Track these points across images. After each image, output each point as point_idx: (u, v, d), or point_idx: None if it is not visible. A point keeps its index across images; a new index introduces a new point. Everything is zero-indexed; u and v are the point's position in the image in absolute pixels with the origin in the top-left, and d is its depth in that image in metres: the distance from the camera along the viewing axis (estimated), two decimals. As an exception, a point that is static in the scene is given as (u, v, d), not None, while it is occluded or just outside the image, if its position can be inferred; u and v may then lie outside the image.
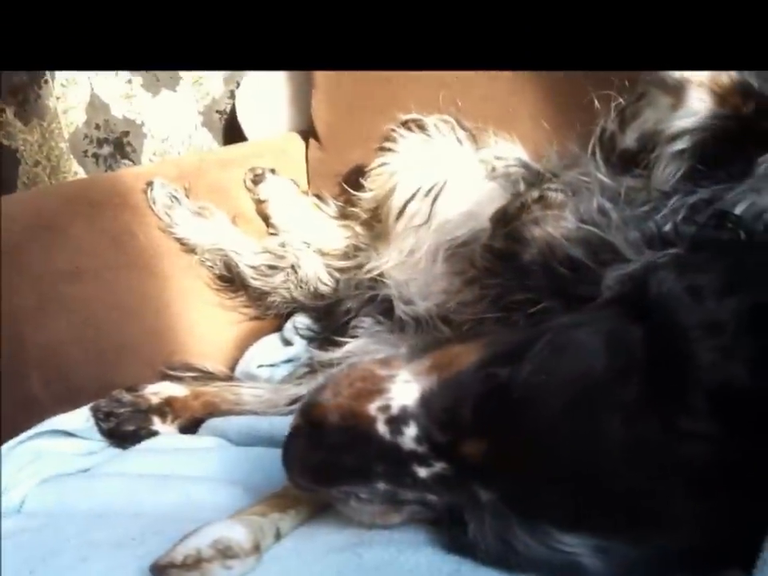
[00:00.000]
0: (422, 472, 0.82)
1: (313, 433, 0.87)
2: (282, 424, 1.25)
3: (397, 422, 0.83)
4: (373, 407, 0.85)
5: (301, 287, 1.82)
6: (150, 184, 1.79)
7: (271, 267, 1.84)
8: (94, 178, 2.36)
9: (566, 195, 1.13)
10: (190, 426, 1.47)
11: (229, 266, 1.83)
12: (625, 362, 0.75)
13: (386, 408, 0.85)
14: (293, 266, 1.83)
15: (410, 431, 0.83)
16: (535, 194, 1.16)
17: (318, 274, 1.82)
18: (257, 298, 1.86)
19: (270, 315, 1.87)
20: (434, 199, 1.53)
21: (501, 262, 1.15)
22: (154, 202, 1.77)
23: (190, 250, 1.80)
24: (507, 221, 1.17)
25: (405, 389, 0.87)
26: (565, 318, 0.88)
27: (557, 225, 1.08)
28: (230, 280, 1.85)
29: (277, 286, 1.84)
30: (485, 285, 1.20)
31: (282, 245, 1.86)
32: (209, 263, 1.82)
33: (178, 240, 1.79)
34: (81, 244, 1.60)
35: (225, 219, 1.86)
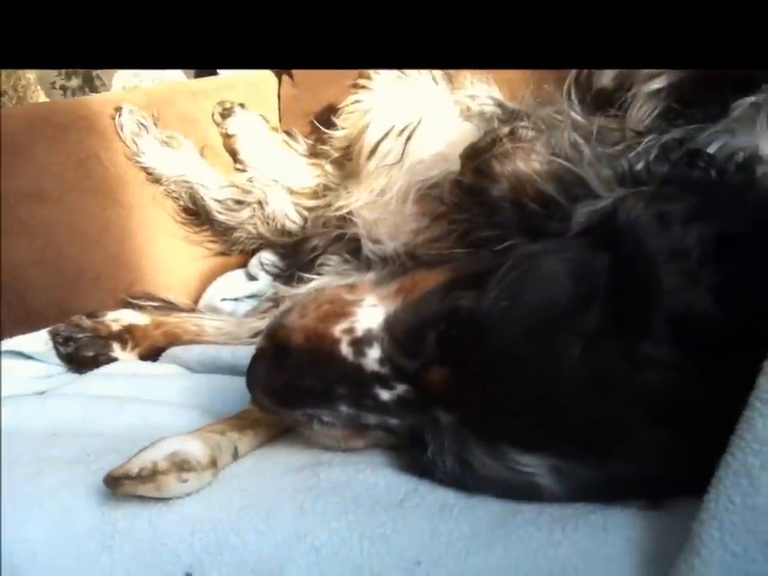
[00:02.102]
0: (384, 395, 0.82)
1: (277, 354, 0.87)
2: (244, 353, 1.25)
3: (360, 343, 0.84)
4: (338, 329, 0.86)
5: (267, 223, 1.81)
6: (118, 110, 1.75)
7: (237, 202, 1.82)
8: (59, 101, 2.32)
9: (537, 131, 1.12)
10: (150, 355, 1.46)
11: (194, 198, 1.80)
12: (588, 289, 0.75)
13: (350, 330, 0.85)
14: (260, 202, 1.81)
15: (373, 353, 0.83)
16: (506, 129, 1.15)
17: (286, 211, 1.80)
18: (222, 232, 1.84)
19: (236, 251, 1.86)
20: (408, 139, 1.51)
21: (469, 197, 1.14)
22: (121, 129, 1.73)
23: (156, 180, 1.77)
24: (477, 156, 1.16)
25: (370, 312, 0.87)
26: (531, 247, 0.87)
27: (527, 160, 1.07)
28: (196, 213, 1.82)
29: (243, 221, 1.82)
30: (453, 221, 1.19)
31: (250, 180, 1.84)
32: (174, 195, 1.79)
33: (144, 169, 1.75)
34: (44, 166, 1.56)
35: (193, 150, 1.83)
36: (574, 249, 0.82)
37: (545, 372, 0.72)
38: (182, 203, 1.81)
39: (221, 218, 1.81)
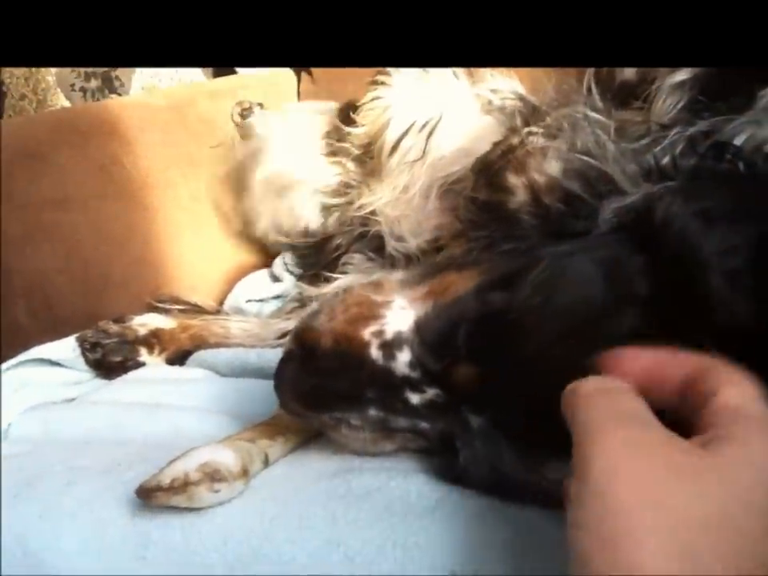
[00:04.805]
0: (414, 398, 0.81)
1: (305, 357, 0.86)
2: (271, 356, 1.25)
3: (390, 346, 0.83)
4: (367, 332, 0.84)
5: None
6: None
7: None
8: (81, 106, 2.32)
9: (550, 136, 1.11)
10: (178, 359, 1.46)
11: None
12: (624, 290, 0.73)
13: (380, 333, 0.84)
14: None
15: (404, 356, 0.82)
16: (516, 139, 1.14)
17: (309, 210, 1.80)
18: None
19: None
20: (429, 134, 1.50)
21: (487, 213, 1.13)
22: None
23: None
24: (488, 169, 1.15)
25: (400, 315, 0.86)
26: (563, 246, 0.85)
27: (541, 168, 1.06)
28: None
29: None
30: (471, 238, 1.18)
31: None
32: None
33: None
34: (67, 172, 1.56)
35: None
36: (607, 247, 0.80)
37: (578, 374, 0.70)
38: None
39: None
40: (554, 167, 1.05)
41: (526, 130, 1.15)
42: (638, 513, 0.49)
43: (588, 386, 0.61)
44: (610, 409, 0.58)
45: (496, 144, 1.19)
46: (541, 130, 1.13)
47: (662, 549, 0.47)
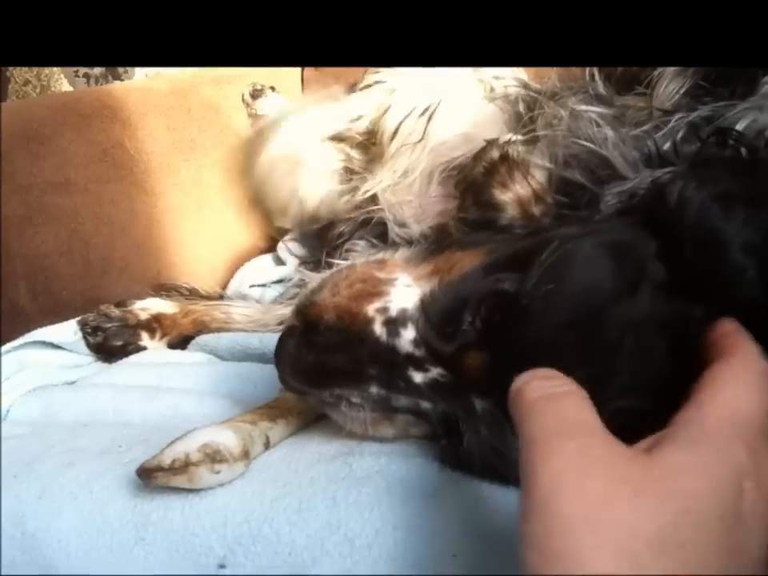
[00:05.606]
0: (417, 377, 0.80)
1: (308, 332, 0.85)
2: (273, 340, 1.24)
3: (395, 323, 0.82)
4: (371, 308, 0.84)
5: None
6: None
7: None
8: (84, 90, 2.31)
9: (529, 145, 1.11)
10: (179, 343, 1.46)
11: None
12: (638, 275, 0.72)
13: (384, 310, 0.83)
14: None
15: (408, 334, 0.81)
16: (496, 154, 1.13)
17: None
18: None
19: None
20: (429, 119, 1.50)
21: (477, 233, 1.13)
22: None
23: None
24: (473, 187, 1.14)
25: (405, 293, 0.85)
26: (572, 229, 0.84)
27: (527, 182, 1.07)
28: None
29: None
30: None
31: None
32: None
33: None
34: (69, 155, 1.55)
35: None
36: (617, 231, 0.80)
37: (590, 360, 0.69)
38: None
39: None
40: (533, 185, 1.05)
41: (504, 139, 1.15)
42: (582, 530, 0.48)
43: (533, 391, 0.60)
44: (555, 418, 0.57)
45: (477, 158, 1.18)
46: (521, 137, 1.13)
47: (607, 567, 0.47)
